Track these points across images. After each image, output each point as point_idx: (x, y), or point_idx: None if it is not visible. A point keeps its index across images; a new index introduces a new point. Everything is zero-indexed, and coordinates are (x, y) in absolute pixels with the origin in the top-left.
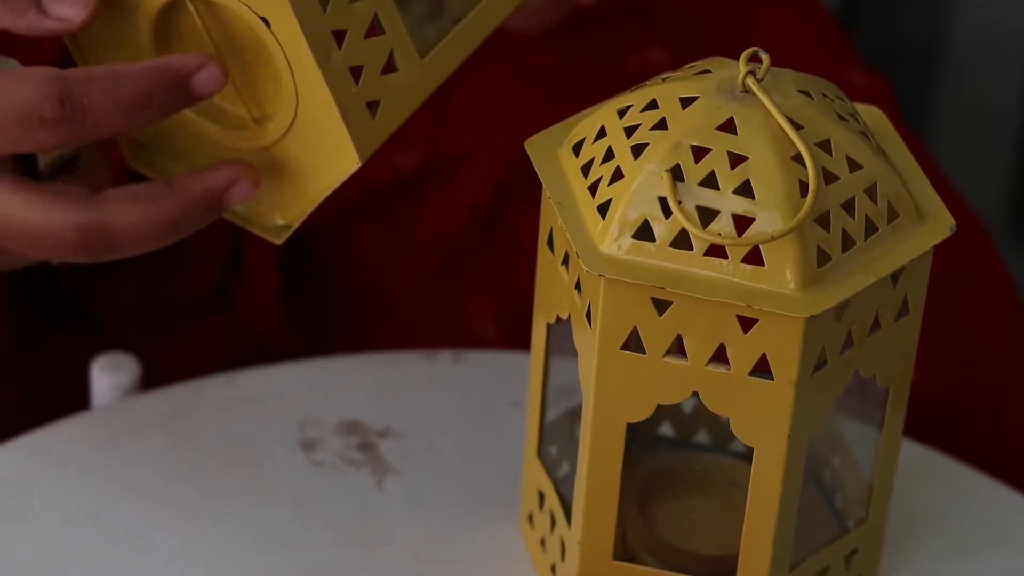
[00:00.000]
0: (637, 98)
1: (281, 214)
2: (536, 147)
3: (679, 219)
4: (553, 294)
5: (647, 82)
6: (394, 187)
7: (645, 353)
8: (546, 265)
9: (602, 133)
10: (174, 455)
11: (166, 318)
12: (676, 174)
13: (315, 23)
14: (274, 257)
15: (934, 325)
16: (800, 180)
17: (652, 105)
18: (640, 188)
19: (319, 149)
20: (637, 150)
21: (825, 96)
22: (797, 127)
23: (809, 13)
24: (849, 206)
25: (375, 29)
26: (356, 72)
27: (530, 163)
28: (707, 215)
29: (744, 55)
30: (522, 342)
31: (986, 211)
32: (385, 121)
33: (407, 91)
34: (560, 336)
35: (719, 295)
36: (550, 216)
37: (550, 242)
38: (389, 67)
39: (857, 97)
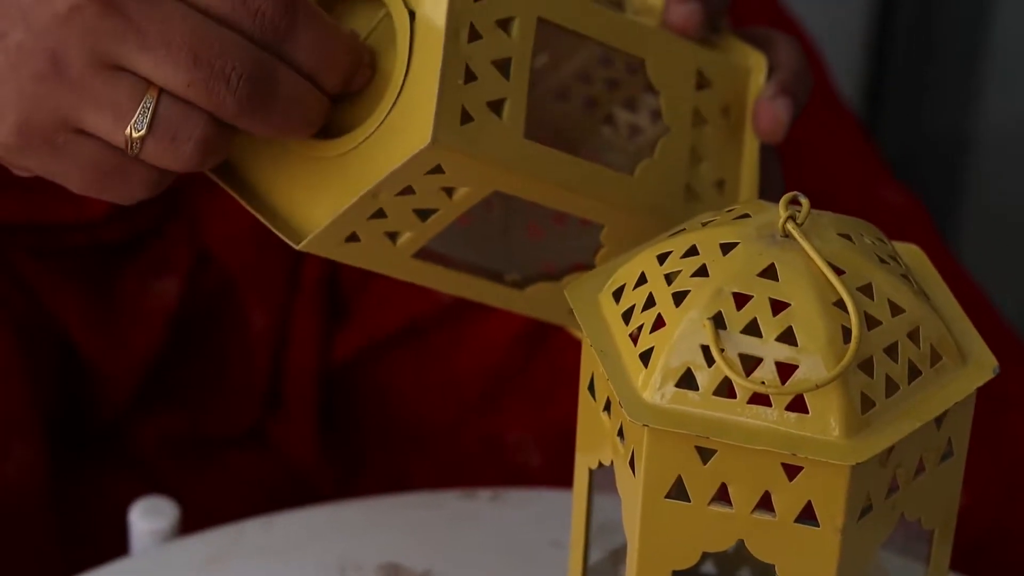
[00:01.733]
0: (677, 244)
1: (316, 215)
2: (576, 292)
3: (722, 368)
4: (595, 439)
5: (686, 226)
6: (432, 318)
7: (689, 501)
8: (588, 411)
9: (642, 279)
10: None
11: (203, 453)
12: (718, 322)
13: (463, 13)
14: (312, 391)
15: (977, 446)
16: (843, 326)
17: (692, 251)
18: (682, 336)
19: (390, 144)
20: (678, 297)
21: (865, 239)
22: (839, 272)
23: (844, 130)
24: (892, 351)
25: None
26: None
27: None
28: (750, 362)
29: (784, 199)
30: (566, 468)
31: (1013, 309)
32: (465, 138)
33: (496, 141)
34: (601, 473)
35: (763, 443)
36: (591, 363)
37: (591, 388)
38: (497, 110)
39: (891, 215)
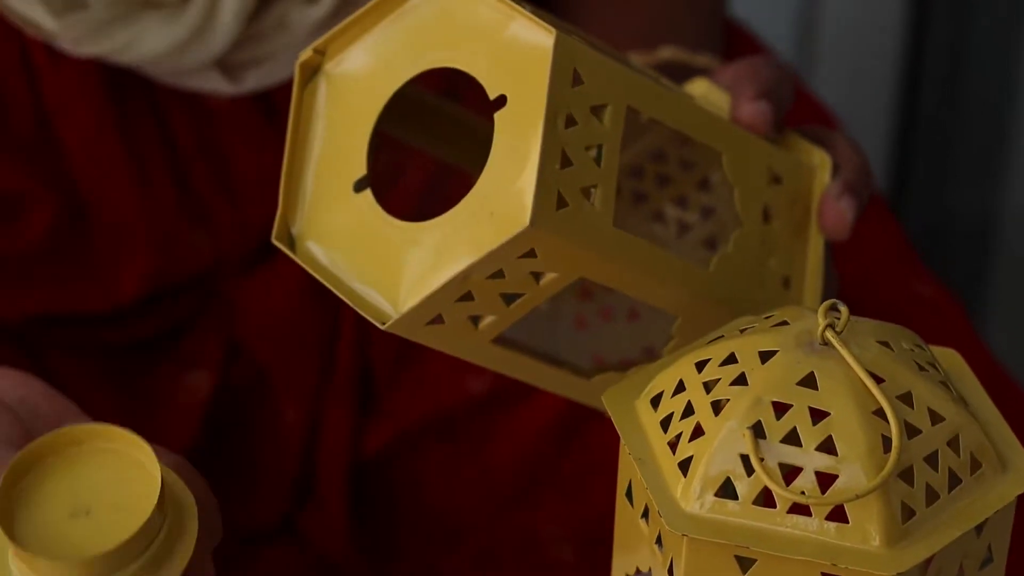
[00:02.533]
0: (715, 351)
1: (402, 296)
2: (613, 399)
3: (761, 477)
4: (633, 545)
5: (725, 333)
6: (465, 411)
7: None
8: (625, 517)
9: (681, 387)
10: None
11: (235, 548)
12: (758, 431)
13: (561, 98)
14: (344, 483)
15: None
16: (883, 435)
17: (731, 359)
18: (721, 445)
19: (483, 227)
20: (717, 406)
21: (904, 345)
22: (878, 380)
23: (879, 223)
24: (932, 459)
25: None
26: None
27: None
28: (790, 471)
29: (823, 307)
30: (600, 564)
31: None
32: (561, 223)
33: (588, 227)
34: None
35: (803, 553)
36: (629, 470)
37: (629, 494)
38: (588, 196)
39: (926, 310)
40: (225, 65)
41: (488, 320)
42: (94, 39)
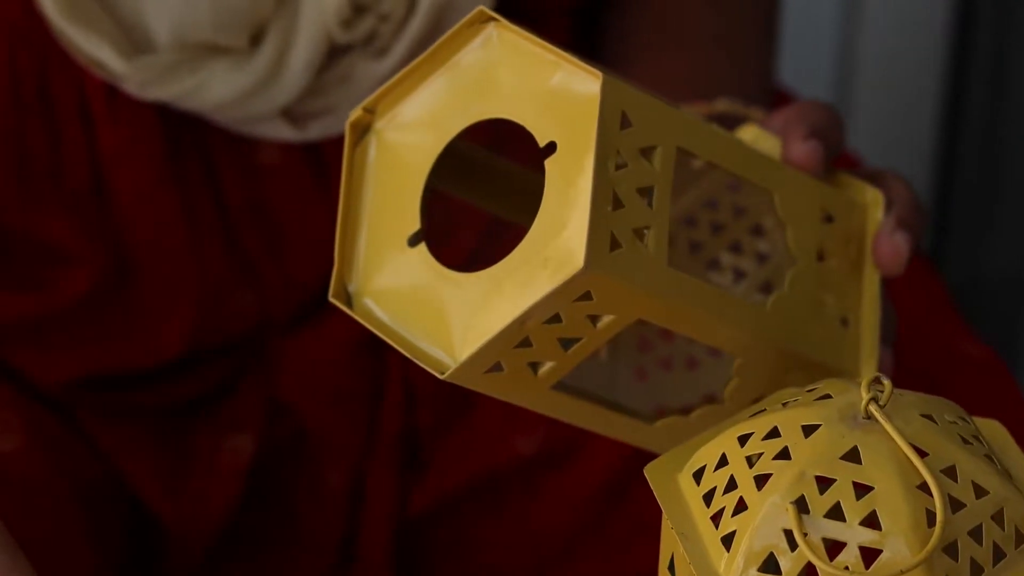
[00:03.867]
0: (758, 425)
1: (460, 345)
2: (656, 473)
3: (805, 552)
4: None
5: (767, 407)
6: (512, 471)
7: None
8: None
9: (723, 461)
10: None
11: None
12: (801, 506)
13: (611, 140)
14: (388, 546)
15: None
16: (927, 509)
17: (774, 433)
18: (765, 520)
19: (538, 271)
20: (760, 480)
21: (947, 417)
22: (922, 454)
23: (921, 281)
24: (977, 533)
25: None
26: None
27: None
28: (833, 546)
29: (866, 381)
30: None
31: None
32: (615, 264)
33: (643, 268)
34: None
35: None
36: (671, 543)
37: (671, 567)
38: (641, 238)
39: (971, 370)
40: (290, 114)
41: (547, 366)
42: (161, 83)
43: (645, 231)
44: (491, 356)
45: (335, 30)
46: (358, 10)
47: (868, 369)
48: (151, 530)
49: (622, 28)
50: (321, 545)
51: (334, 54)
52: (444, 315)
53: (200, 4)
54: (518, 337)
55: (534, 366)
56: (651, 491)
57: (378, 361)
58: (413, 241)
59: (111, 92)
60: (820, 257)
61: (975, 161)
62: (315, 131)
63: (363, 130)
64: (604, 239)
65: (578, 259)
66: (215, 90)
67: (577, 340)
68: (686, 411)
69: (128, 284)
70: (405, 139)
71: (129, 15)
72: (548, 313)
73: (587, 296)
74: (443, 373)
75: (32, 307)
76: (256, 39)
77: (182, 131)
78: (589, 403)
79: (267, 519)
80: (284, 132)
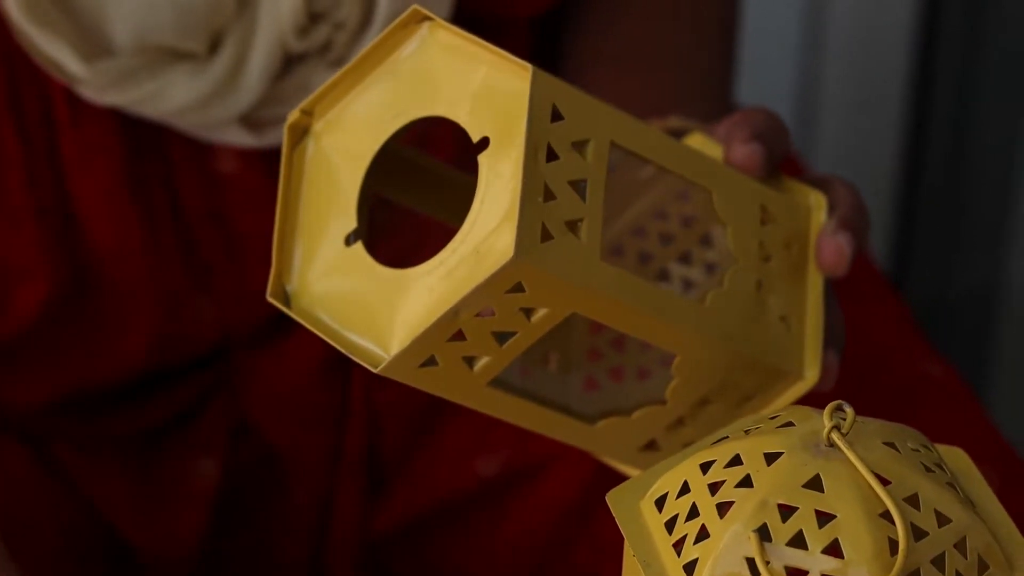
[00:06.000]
0: (720, 453)
1: (396, 339)
2: (618, 499)
3: None
4: None
5: (729, 435)
6: (475, 493)
7: None
8: None
9: (685, 488)
10: None
11: None
12: (763, 534)
13: (540, 133)
14: (355, 562)
15: None
16: (890, 537)
17: (736, 460)
18: (727, 548)
19: (470, 264)
20: (722, 508)
21: (910, 445)
22: (884, 482)
23: (882, 302)
24: (939, 562)
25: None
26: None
27: (609, 467)
28: (796, 574)
29: (829, 408)
30: None
31: None
32: (546, 255)
33: (575, 261)
34: None
35: None
36: (633, 571)
37: None
38: (574, 231)
39: (935, 391)
40: (249, 121)
41: (483, 361)
42: (120, 87)
43: (578, 223)
44: (425, 349)
45: (290, 38)
46: (313, 18)
47: (812, 370)
48: (128, 558)
49: (582, 45)
50: (290, 565)
51: (291, 62)
52: (379, 310)
53: (161, 7)
54: (451, 330)
55: (470, 361)
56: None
57: (342, 380)
58: (350, 240)
59: (73, 97)
60: (762, 258)
61: (939, 178)
62: (273, 137)
63: (301, 132)
64: (535, 230)
65: (508, 249)
66: (174, 95)
67: (512, 334)
68: (630, 412)
69: (88, 295)
70: (342, 140)
71: (89, 18)
72: (480, 305)
73: (519, 288)
74: (376, 367)
75: None
76: (215, 45)
77: (142, 137)
78: (530, 402)
79: (236, 541)
80: (242, 138)
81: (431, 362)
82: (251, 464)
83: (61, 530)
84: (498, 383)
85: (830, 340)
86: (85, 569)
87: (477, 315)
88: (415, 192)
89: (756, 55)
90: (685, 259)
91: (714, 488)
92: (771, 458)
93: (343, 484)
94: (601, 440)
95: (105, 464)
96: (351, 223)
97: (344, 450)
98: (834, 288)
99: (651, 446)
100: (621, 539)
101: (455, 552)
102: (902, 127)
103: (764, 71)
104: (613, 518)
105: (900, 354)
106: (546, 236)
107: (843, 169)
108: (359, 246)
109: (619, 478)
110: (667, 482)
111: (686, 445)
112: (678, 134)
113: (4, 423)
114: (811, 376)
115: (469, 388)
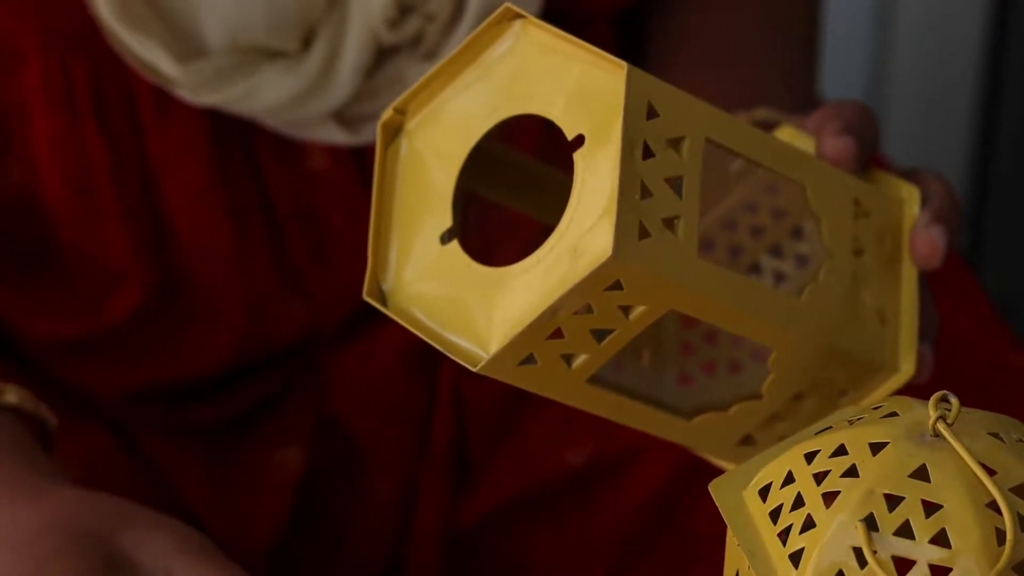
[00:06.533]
0: (824, 443)
1: (494, 339)
2: (721, 490)
3: (875, 570)
4: None
5: (833, 424)
6: (562, 484)
7: None
8: None
9: (790, 478)
10: None
11: None
12: (870, 523)
13: (636, 130)
14: (437, 560)
15: None
16: (997, 528)
17: (841, 451)
18: (833, 537)
19: (568, 262)
20: (828, 498)
21: (1013, 435)
22: (990, 472)
23: (968, 299)
24: None
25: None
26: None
27: (696, 458)
28: (903, 564)
29: (934, 399)
30: None
31: None
32: (644, 253)
33: (672, 258)
34: None
35: None
36: (736, 560)
37: None
38: (671, 228)
39: (1019, 380)
40: (343, 118)
41: (581, 359)
42: (214, 87)
43: (675, 221)
44: (523, 348)
45: (381, 31)
46: (404, 11)
47: (907, 363)
48: None
49: (664, 40)
50: (370, 559)
51: (383, 56)
52: (476, 309)
53: (253, 6)
54: (549, 328)
55: (568, 359)
56: (703, 506)
57: (429, 374)
58: (445, 238)
59: (159, 98)
60: (856, 252)
61: (1010, 171)
62: (367, 135)
63: (395, 131)
64: (632, 228)
65: (607, 248)
66: (268, 93)
67: (610, 332)
68: (726, 408)
69: (177, 295)
70: (436, 138)
71: (182, 19)
72: (579, 303)
73: (617, 286)
74: (476, 366)
75: (85, 327)
76: (307, 42)
77: (230, 137)
78: (626, 399)
79: (317, 535)
80: (336, 136)
81: (529, 360)
82: (334, 456)
83: None
84: (592, 379)
85: (924, 333)
86: None
87: (575, 313)
88: (504, 188)
89: (826, 51)
90: (776, 252)
91: (819, 478)
92: (876, 448)
93: (428, 478)
94: (697, 435)
95: (187, 452)
96: (446, 221)
97: (430, 443)
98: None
99: (747, 441)
100: (710, 531)
101: (539, 544)
102: (972, 122)
103: (834, 67)
104: (700, 510)
105: (984, 345)
106: (643, 234)
107: (912, 157)
108: (455, 244)
109: (708, 469)
110: (771, 472)
111: (782, 439)
112: (767, 127)
113: (89, 409)
114: (906, 369)
115: (567, 385)
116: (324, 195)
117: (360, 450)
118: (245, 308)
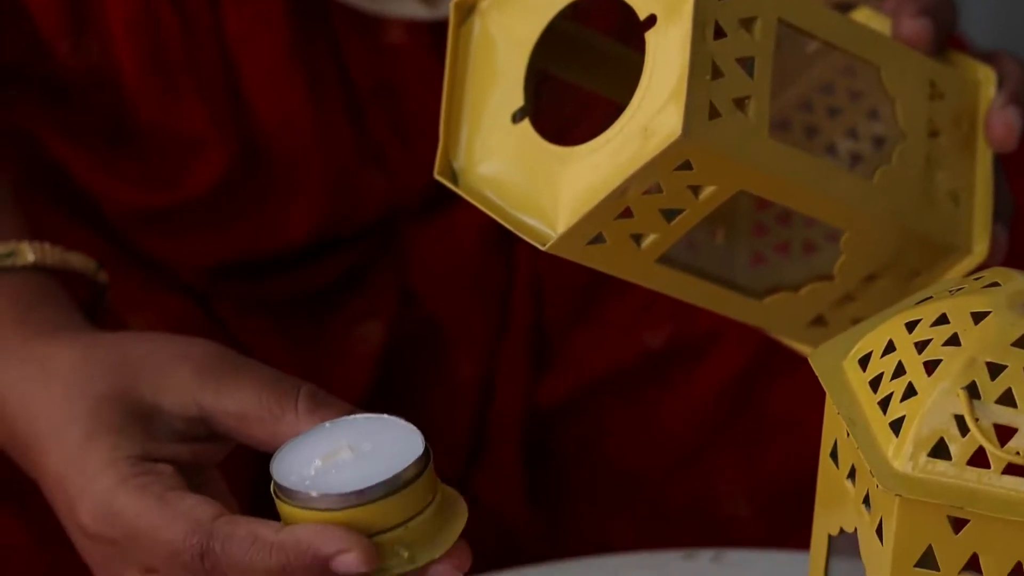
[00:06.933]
0: (926, 312)
1: (563, 217)
2: (820, 359)
3: (977, 437)
4: (836, 506)
5: (933, 294)
6: (641, 366)
7: (939, 570)
8: (829, 477)
9: (890, 347)
10: None
11: None
12: (972, 391)
13: (708, 10)
14: (518, 439)
15: None
16: None
17: (942, 320)
18: (935, 406)
19: (638, 142)
20: (930, 366)
21: None
22: None
23: None
24: None
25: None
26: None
27: (774, 342)
28: (1004, 432)
29: None
30: (778, 518)
31: None
32: (714, 133)
33: (743, 138)
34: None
35: (1019, 514)
36: (834, 429)
37: (834, 454)
38: (742, 108)
39: None
40: None
41: (650, 239)
42: None
43: (746, 101)
44: (592, 227)
45: None
46: None
47: (981, 245)
48: None
49: None
50: (451, 441)
51: None
52: (546, 188)
53: None
54: (619, 208)
55: (637, 238)
56: (780, 390)
57: (507, 253)
58: (517, 117)
59: None
60: (931, 134)
61: None
62: (446, 9)
63: (468, 10)
64: (703, 108)
65: (676, 128)
66: None
67: (680, 212)
68: (797, 288)
69: (257, 168)
70: (508, 18)
71: None
72: (648, 183)
73: (687, 165)
74: (545, 244)
75: (167, 198)
76: None
77: (307, 11)
78: (696, 279)
79: (396, 409)
80: (415, 10)
81: (599, 239)
82: (414, 333)
83: None
84: (665, 259)
85: (999, 215)
86: None
87: (644, 193)
88: (577, 67)
89: None
90: (853, 134)
91: (920, 347)
92: (978, 317)
93: (507, 357)
94: (768, 315)
95: (268, 325)
96: (517, 100)
97: (509, 323)
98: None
99: (819, 321)
100: (789, 412)
101: (618, 425)
102: None
103: None
104: (777, 394)
105: None
106: (714, 114)
107: (992, 39)
108: (526, 124)
109: (786, 352)
110: (871, 341)
111: (855, 321)
112: (844, 8)
113: (171, 279)
114: (980, 251)
115: (637, 265)
116: (402, 70)
117: (440, 327)
118: (326, 182)
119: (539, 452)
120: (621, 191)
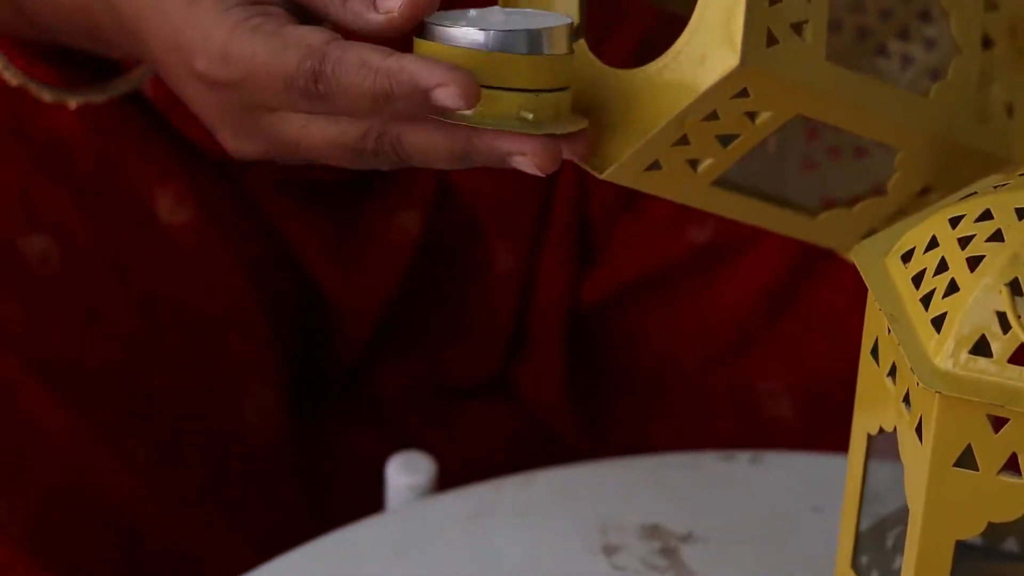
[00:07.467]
0: (969, 207)
1: (619, 144)
2: (862, 254)
3: (1019, 335)
4: (876, 405)
5: (978, 189)
6: (685, 261)
7: (978, 469)
8: (869, 375)
9: (934, 243)
10: (476, 558)
11: (447, 404)
12: (1015, 288)
13: None
14: (560, 335)
15: None
16: None
17: (986, 215)
18: (977, 302)
19: (694, 69)
20: (973, 262)
21: None
22: None
23: None
24: None
25: None
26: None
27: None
28: None
29: None
30: (819, 417)
31: None
32: (772, 60)
33: (801, 63)
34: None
35: None
36: (875, 326)
37: (874, 352)
38: (799, 32)
39: None
40: None
41: (706, 163)
42: None
43: (803, 25)
44: (650, 155)
45: None
46: None
47: None
48: (320, 307)
49: None
50: (491, 335)
51: None
52: (602, 113)
53: None
54: (676, 135)
55: (693, 163)
56: (825, 286)
57: None
58: (572, 37)
59: None
60: (985, 45)
61: None
62: None
63: None
64: (761, 34)
65: (734, 56)
66: None
67: (735, 137)
68: (851, 203)
69: None
70: None
71: None
72: (706, 111)
73: (744, 93)
74: (601, 172)
75: None
76: None
77: None
78: (751, 199)
79: (434, 306)
80: None
81: (655, 166)
82: (454, 223)
83: (252, 270)
84: (717, 179)
85: None
86: (275, 310)
87: (701, 120)
88: None
89: None
90: (904, 35)
91: (964, 243)
92: (1022, 213)
93: (549, 252)
94: (822, 231)
95: (306, 209)
96: (573, 18)
97: (551, 217)
98: None
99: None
100: (831, 312)
101: (662, 321)
102: None
103: None
104: (821, 290)
105: None
106: (771, 40)
107: None
108: (582, 43)
109: (831, 251)
110: (914, 237)
111: None
112: None
113: (207, 162)
114: None
115: (693, 189)
116: None
117: (480, 219)
118: None
119: (580, 349)
120: (678, 120)
